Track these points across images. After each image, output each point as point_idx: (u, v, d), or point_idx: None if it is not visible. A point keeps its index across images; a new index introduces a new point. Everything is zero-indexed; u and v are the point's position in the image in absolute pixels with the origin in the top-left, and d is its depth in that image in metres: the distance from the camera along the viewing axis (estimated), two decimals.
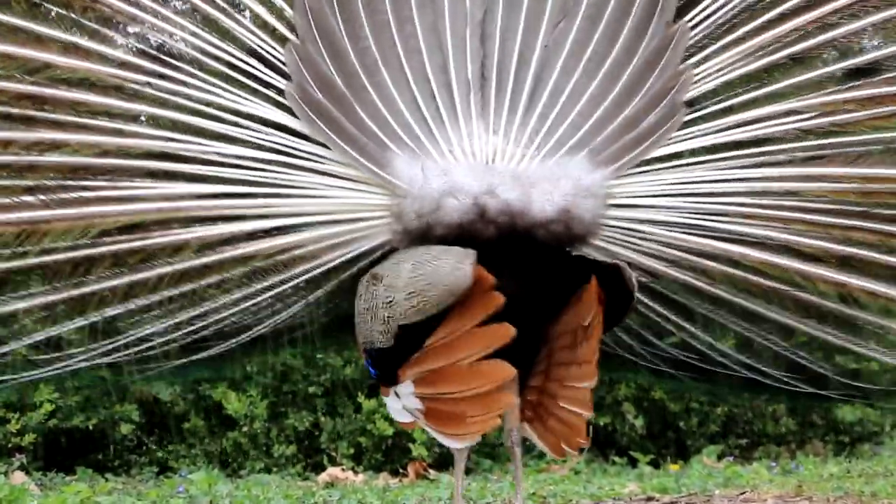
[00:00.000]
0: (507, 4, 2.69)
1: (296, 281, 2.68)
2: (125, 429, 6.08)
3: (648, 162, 2.65)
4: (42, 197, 2.62)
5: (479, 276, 2.42)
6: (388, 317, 2.49)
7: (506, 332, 2.42)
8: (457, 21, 2.68)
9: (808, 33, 2.68)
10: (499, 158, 2.61)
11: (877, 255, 2.69)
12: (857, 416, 6.97)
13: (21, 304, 2.70)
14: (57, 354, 2.77)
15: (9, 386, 2.86)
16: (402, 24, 2.65)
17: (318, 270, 2.67)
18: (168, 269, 2.67)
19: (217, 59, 2.70)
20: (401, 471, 6.15)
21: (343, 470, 5.82)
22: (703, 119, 2.70)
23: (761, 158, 2.68)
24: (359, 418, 6.31)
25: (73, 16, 2.66)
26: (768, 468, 5.61)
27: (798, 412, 7.06)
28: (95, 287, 2.69)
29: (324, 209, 2.65)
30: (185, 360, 2.82)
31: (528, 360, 2.63)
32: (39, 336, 2.76)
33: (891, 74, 2.67)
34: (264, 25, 2.71)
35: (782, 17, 2.69)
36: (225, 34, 2.70)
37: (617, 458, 6.56)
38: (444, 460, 6.18)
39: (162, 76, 2.68)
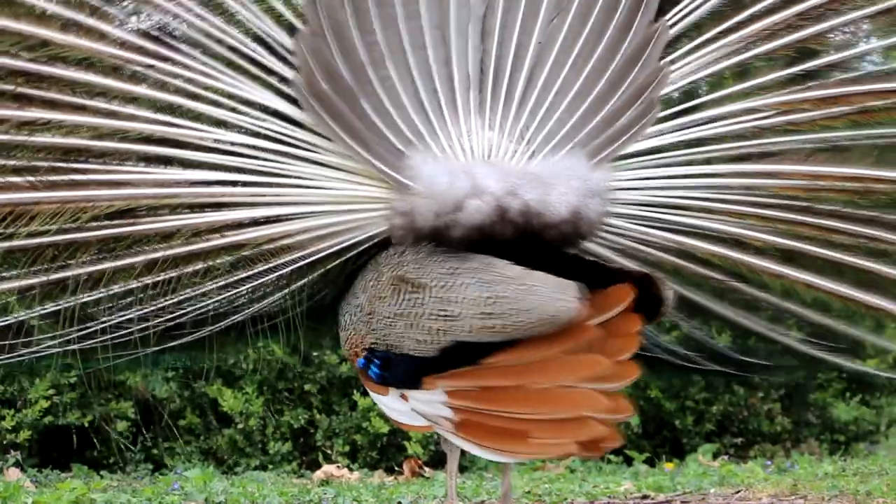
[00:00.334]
0: (507, 1, 2.70)
1: (282, 271, 2.66)
2: (120, 426, 6.07)
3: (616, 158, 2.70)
4: (31, 178, 2.58)
5: (581, 308, 2.39)
6: (441, 330, 2.45)
7: (599, 364, 2.40)
8: (461, 17, 2.68)
9: (775, 34, 2.75)
10: (501, 155, 2.61)
11: (816, 249, 2.78)
12: (852, 415, 6.98)
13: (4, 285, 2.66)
14: (23, 340, 2.73)
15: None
16: (410, 19, 2.65)
17: (305, 261, 2.65)
18: (154, 255, 2.63)
19: (220, 42, 2.67)
20: (396, 469, 6.15)
21: (338, 467, 5.81)
22: (669, 117, 2.76)
23: (721, 155, 2.75)
24: (354, 416, 6.31)
25: None
26: (763, 467, 5.62)
27: (793, 411, 7.07)
28: (77, 272, 2.64)
29: (316, 199, 2.63)
30: (158, 348, 2.79)
31: None
32: (6, 320, 2.71)
33: (844, 76, 2.76)
34: (270, 10, 2.69)
35: (752, 19, 2.75)
36: (230, 18, 2.68)
37: (612, 457, 6.56)
38: (439, 458, 6.18)
39: (163, 58, 2.65)
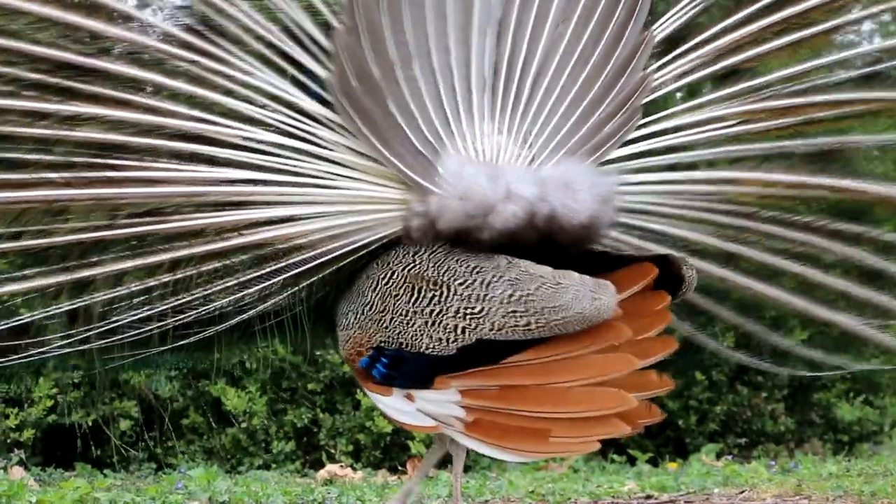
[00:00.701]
0: (522, 4, 2.71)
1: (293, 270, 2.65)
2: (124, 425, 6.08)
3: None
4: (66, 175, 2.58)
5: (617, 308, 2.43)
6: (465, 328, 2.46)
7: (628, 363, 2.43)
8: (482, 18, 2.69)
9: (741, 47, 2.84)
10: (508, 158, 2.64)
11: (756, 254, 2.88)
12: (856, 415, 6.98)
13: (14, 287, 2.64)
14: (34, 340, 2.70)
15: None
16: (438, 19, 2.65)
17: (316, 261, 2.65)
18: (178, 254, 2.63)
19: (259, 38, 2.67)
20: (399, 468, 6.15)
21: (342, 467, 5.82)
22: (643, 125, 2.83)
23: (688, 161, 2.84)
24: (358, 415, 6.31)
25: None
26: (767, 467, 5.62)
27: (797, 411, 7.07)
28: (100, 270, 2.64)
29: (332, 199, 2.63)
30: (165, 348, 2.78)
31: None
32: (20, 320, 2.68)
33: (795, 88, 2.84)
34: (309, 7, 2.70)
35: (723, 32, 2.83)
36: (270, 14, 2.68)
37: (616, 457, 6.57)
38: (442, 458, 6.17)
39: (204, 53, 2.65)
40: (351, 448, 6.29)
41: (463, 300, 2.48)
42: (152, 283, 2.66)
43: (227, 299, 2.69)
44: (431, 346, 2.50)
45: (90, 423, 5.98)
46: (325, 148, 2.66)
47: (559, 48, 2.71)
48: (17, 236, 2.62)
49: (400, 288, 2.55)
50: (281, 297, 2.72)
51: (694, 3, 2.85)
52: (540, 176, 2.58)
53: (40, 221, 2.61)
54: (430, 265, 2.55)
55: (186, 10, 2.67)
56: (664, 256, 2.55)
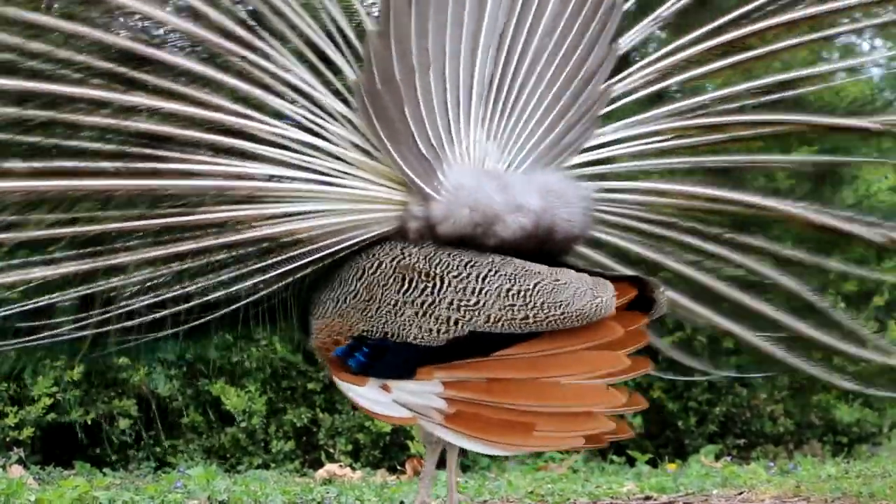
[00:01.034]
0: (519, 15, 2.75)
1: (290, 265, 2.69)
2: (123, 423, 6.07)
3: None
4: (118, 165, 2.61)
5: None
6: (457, 320, 2.50)
7: (621, 361, 2.47)
8: (490, 27, 2.74)
9: (686, 67, 2.93)
10: (494, 166, 2.70)
11: (672, 264, 2.97)
12: (855, 417, 6.98)
13: (48, 272, 2.67)
14: (44, 322, 2.73)
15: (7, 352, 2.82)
16: (455, 25, 2.70)
17: (315, 255, 2.68)
18: (200, 245, 2.67)
19: (301, 35, 2.72)
20: (398, 468, 6.15)
21: (341, 466, 5.82)
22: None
23: (626, 172, 2.93)
24: (357, 415, 6.31)
25: None
26: (766, 468, 5.62)
27: (796, 412, 7.07)
28: (127, 258, 2.67)
29: (338, 197, 2.68)
30: (164, 334, 2.80)
31: None
32: (35, 304, 2.71)
33: (724, 107, 2.95)
34: (347, 9, 2.76)
35: (675, 50, 2.91)
36: (314, 11, 2.74)
37: (615, 457, 6.57)
38: (441, 458, 6.17)
39: (253, 48, 2.69)
40: (350, 448, 6.29)
41: (457, 292, 2.51)
42: (164, 271, 2.69)
43: (232, 290, 2.72)
44: (420, 336, 2.53)
45: (89, 422, 5.98)
46: (335, 145, 2.70)
47: (541, 59, 2.77)
48: (54, 223, 2.66)
49: (389, 278, 2.58)
50: (274, 287, 2.74)
51: (649, 22, 2.93)
52: (543, 188, 2.64)
53: (83, 210, 2.65)
54: (421, 257, 2.58)
55: (241, 4, 2.70)
56: (637, 277, 2.59)
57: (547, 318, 2.47)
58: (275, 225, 2.67)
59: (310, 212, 2.67)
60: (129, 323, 2.73)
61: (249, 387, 6.27)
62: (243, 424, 6.26)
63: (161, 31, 2.67)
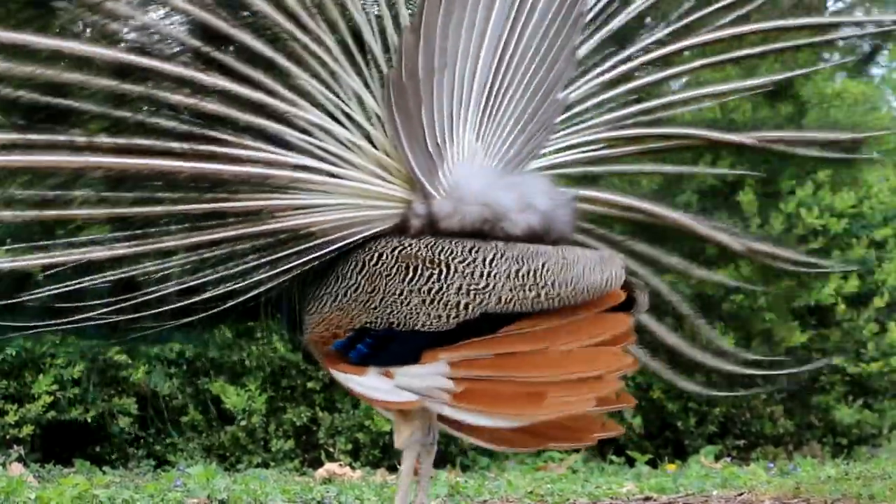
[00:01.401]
0: (513, 23, 2.78)
1: (303, 258, 2.68)
2: (123, 422, 6.08)
3: None
4: (186, 146, 2.62)
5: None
6: (468, 304, 2.53)
7: (624, 321, 2.54)
8: (494, 30, 2.76)
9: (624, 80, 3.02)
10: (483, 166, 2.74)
11: None
12: (855, 418, 6.98)
13: (103, 253, 2.66)
14: (78, 305, 2.71)
15: (26, 335, 2.81)
16: (471, 28, 2.73)
17: (325, 249, 2.68)
18: (231, 232, 2.66)
19: (350, 23, 2.73)
20: (398, 466, 6.14)
21: (341, 465, 5.82)
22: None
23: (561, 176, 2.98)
24: (357, 414, 6.31)
25: None
26: (766, 469, 5.62)
27: (795, 414, 7.07)
28: (170, 243, 2.66)
29: (353, 192, 2.69)
30: (176, 323, 2.80)
31: None
32: (68, 287, 2.69)
33: (649, 118, 3.04)
34: (391, 6, 2.79)
35: (614, 66, 3.00)
36: (363, 2, 2.76)
37: (614, 458, 6.57)
38: (441, 457, 6.18)
39: (312, 35, 2.71)
40: (350, 447, 6.29)
41: (465, 277, 2.54)
42: (194, 258, 2.69)
43: (248, 280, 2.70)
44: (429, 323, 2.55)
45: (89, 420, 5.98)
46: (357, 138, 2.72)
47: (521, 67, 2.80)
48: (104, 201, 2.67)
49: (392, 268, 2.60)
50: (275, 282, 2.73)
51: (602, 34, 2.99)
52: (546, 189, 2.68)
53: (149, 190, 2.66)
54: (422, 246, 2.60)
55: None
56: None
57: (559, 295, 2.51)
58: (298, 216, 2.67)
59: (326, 205, 2.68)
60: (160, 309, 2.72)
61: (249, 385, 6.27)
62: (243, 423, 6.26)
63: (246, 12, 2.67)
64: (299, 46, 2.70)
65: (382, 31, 2.78)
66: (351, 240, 2.67)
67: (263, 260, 2.69)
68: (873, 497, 4.20)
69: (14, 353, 5.73)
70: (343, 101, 2.73)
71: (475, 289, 2.54)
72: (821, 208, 6.76)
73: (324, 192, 2.69)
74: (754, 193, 6.69)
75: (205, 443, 6.29)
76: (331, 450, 6.30)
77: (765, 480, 4.97)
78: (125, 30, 2.67)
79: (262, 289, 2.73)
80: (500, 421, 2.58)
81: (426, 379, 2.58)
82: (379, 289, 2.60)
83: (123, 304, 2.71)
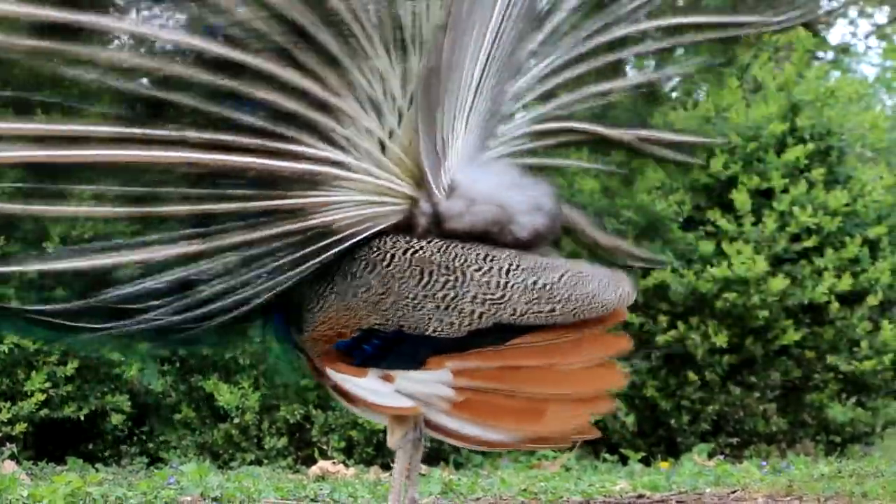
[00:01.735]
0: (506, 17, 2.79)
1: (320, 257, 2.66)
2: (116, 419, 6.06)
3: None
4: (257, 141, 2.60)
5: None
6: (482, 313, 2.53)
7: (625, 343, 2.57)
8: (493, 28, 2.77)
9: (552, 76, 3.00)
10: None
11: None
12: (848, 416, 6.99)
13: (172, 251, 2.63)
14: (142, 306, 2.66)
15: (99, 337, 2.72)
16: (481, 27, 2.73)
17: (339, 247, 2.65)
18: (277, 230, 2.63)
19: (394, 20, 2.70)
20: (391, 464, 6.13)
21: (334, 463, 5.81)
22: None
23: None
24: (350, 412, 6.30)
25: None
26: (759, 467, 5.62)
27: (789, 412, 7.08)
28: (230, 240, 2.63)
29: (372, 189, 2.67)
30: (209, 325, 2.72)
31: None
32: (132, 288, 2.65)
33: (558, 113, 3.03)
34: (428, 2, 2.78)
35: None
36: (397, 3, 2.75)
37: (608, 456, 6.57)
38: (434, 455, 6.19)
39: (364, 27, 2.69)
40: (343, 444, 6.29)
41: (481, 286, 2.54)
42: (235, 258, 2.66)
43: (277, 278, 2.67)
44: (440, 329, 2.54)
45: (82, 418, 5.97)
46: (381, 134, 2.70)
47: (494, 66, 2.80)
48: (186, 199, 2.65)
49: (406, 271, 2.58)
50: (293, 280, 2.71)
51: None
52: (549, 189, 2.70)
53: (222, 186, 2.64)
54: (435, 250, 2.59)
55: None
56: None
57: (574, 310, 2.52)
58: (329, 213, 2.65)
59: (351, 201, 2.66)
60: (209, 308, 2.67)
61: (242, 383, 6.26)
62: (236, 420, 6.26)
63: (326, 9, 2.64)
64: (357, 42, 2.66)
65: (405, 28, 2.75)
66: (361, 237, 2.65)
67: (289, 259, 2.65)
68: (866, 495, 4.21)
69: (6, 351, 5.71)
70: (378, 96, 2.70)
71: (491, 299, 2.53)
72: (814, 206, 6.77)
73: (352, 188, 2.66)
74: (748, 192, 6.72)
75: (198, 440, 6.28)
76: (324, 447, 6.30)
77: (758, 478, 4.98)
78: (223, 23, 2.63)
79: (280, 289, 2.68)
80: (495, 434, 2.58)
81: (428, 385, 2.57)
82: (392, 291, 2.58)
83: (178, 305, 2.66)
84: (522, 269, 2.54)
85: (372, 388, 2.63)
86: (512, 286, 2.53)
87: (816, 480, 4.78)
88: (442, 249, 2.58)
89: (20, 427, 5.76)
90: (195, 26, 2.63)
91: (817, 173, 6.85)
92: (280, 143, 2.63)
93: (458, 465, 6.25)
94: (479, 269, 2.55)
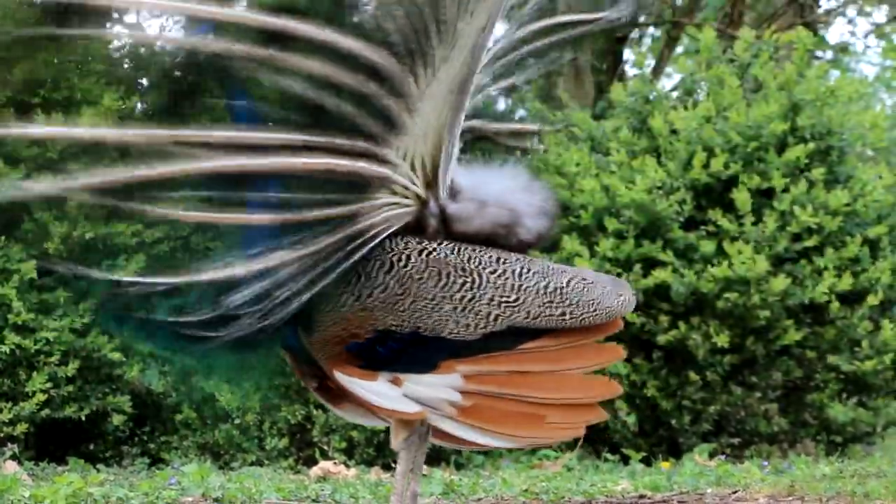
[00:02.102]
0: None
1: (352, 257, 2.61)
2: (117, 420, 6.07)
3: None
4: (346, 142, 2.58)
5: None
6: (498, 315, 2.55)
7: (619, 353, 2.63)
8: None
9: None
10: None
11: None
12: (849, 416, 6.99)
13: (287, 255, 2.58)
14: (233, 315, 2.59)
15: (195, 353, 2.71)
16: (489, 31, 2.73)
17: (362, 250, 2.62)
18: (339, 236, 2.59)
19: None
20: (392, 465, 6.14)
21: (335, 464, 5.81)
22: None
23: None
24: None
25: None
26: (760, 467, 5.62)
27: (790, 412, 7.08)
28: (313, 246, 2.58)
29: (393, 188, 2.65)
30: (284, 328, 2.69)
31: None
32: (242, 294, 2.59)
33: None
34: None
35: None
36: None
37: (609, 456, 6.57)
38: (435, 455, 6.18)
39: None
40: (344, 445, 6.29)
41: (497, 288, 2.56)
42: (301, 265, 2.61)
43: (324, 281, 2.63)
44: (456, 331, 2.56)
45: (83, 418, 5.97)
46: (408, 132, 2.67)
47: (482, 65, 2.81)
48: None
49: (424, 272, 2.58)
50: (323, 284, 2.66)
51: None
52: (549, 193, 2.75)
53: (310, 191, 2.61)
54: (449, 251, 2.60)
55: None
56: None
57: (581, 315, 2.57)
58: (371, 216, 2.62)
59: (386, 203, 2.64)
60: (281, 315, 2.62)
61: (244, 383, 6.26)
62: (237, 421, 6.26)
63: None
64: (422, 40, 2.63)
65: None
66: (379, 238, 2.61)
67: (331, 262, 2.60)
68: (868, 495, 4.21)
69: (8, 351, 5.71)
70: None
71: (506, 301, 2.56)
72: (815, 206, 6.76)
73: (389, 189, 2.64)
74: (748, 191, 6.72)
75: (199, 441, 6.28)
76: (325, 448, 6.30)
77: (759, 478, 4.98)
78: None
79: (313, 292, 2.61)
80: (499, 440, 2.61)
81: (437, 390, 2.57)
82: (410, 291, 2.57)
83: (259, 314, 2.59)
84: (534, 273, 2.58)
85: (380, 392, 2.62)
86: (526, 289, 2.56)
87: (818, 480, 4.78)
88: (455, 251, 2.59)
89: (21, 427, 5.76)
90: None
91: (818, 173, 6.84)
92: (367, 144, 2.61)
93: (459, 466, 6.25)
94: (494, 271, 2.57)
